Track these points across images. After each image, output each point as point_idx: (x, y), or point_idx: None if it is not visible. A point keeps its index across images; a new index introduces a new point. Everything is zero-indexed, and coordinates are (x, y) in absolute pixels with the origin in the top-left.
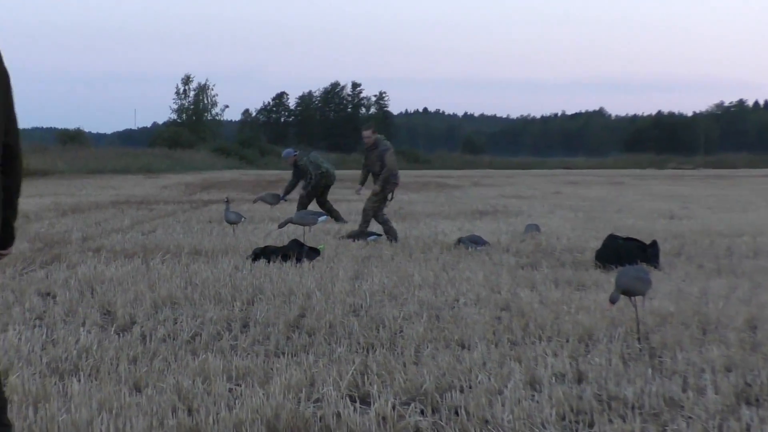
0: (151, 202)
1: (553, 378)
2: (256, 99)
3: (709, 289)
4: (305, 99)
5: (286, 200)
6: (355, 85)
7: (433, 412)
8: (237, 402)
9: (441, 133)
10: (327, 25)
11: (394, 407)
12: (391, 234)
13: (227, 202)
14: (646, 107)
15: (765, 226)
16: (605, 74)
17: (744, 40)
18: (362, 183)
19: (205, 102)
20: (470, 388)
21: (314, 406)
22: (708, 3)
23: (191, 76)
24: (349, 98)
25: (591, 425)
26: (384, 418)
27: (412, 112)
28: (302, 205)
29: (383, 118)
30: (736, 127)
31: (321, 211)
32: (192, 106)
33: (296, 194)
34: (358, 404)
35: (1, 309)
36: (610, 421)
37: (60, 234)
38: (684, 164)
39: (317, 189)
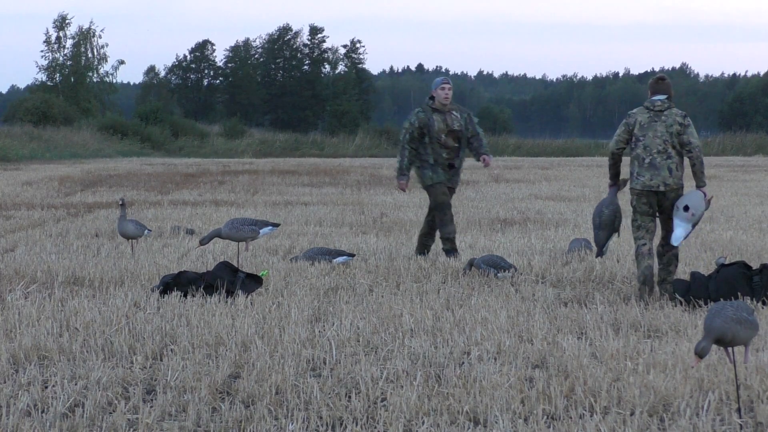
0: (8, 206)
1: None
2: (165, 51)
3: None
4: (239, 51)
5: (405, 176)
6: (315, 31)
7: None
8: None
9: None
10: None
11: None
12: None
13: (123, 206)
14: (752, 63)
15: None
16: (689, 15)
17: None
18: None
19: (90, 56)
20: None
21: None
22: None
23: (68, 17)
24: (307, 50)
25: None
26: None
27: (399, 70)
28: (442, 218)
29: (357, 80)
30: None
31: (265, 219)
32: (69, 62)
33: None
34: None
35: None
36: None
37: None
38: None
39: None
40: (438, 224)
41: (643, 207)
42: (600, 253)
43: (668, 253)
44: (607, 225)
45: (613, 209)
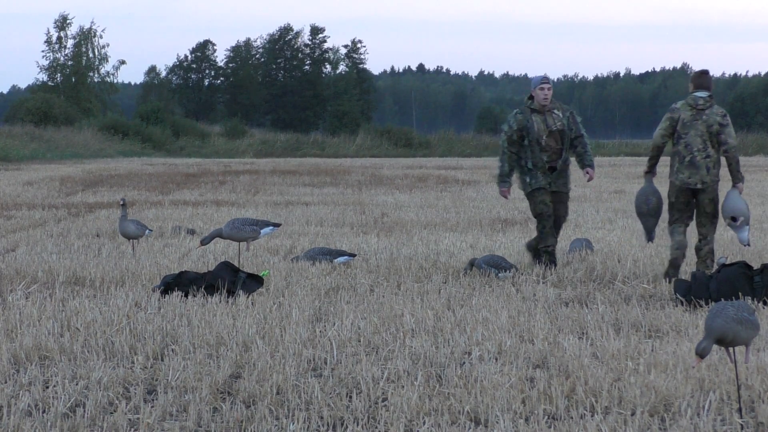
0: (9, 206)
1: None
2: (166, 51)
3: None
4: (240, 51)
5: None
6: (315, 31)
7: None
8: None
9: (445, 102)
10: None
11: None
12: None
13: (123, 206)
14: (753, 63)
15: None
16: (690, 15)
17: None
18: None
19: (91, 56)
20: None
21: None
22: None
23: (69, 17)
24: (307, 50)
25: None
26: None
27: (400, 71)
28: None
29: (358, 80)
30: None
31: (266, 219)
32: (70, 62)
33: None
34: None
35: None
36: None
37: None
38: None
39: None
40: (537, 234)
41: (680, 204)
42: (650, 238)
43: (705, 248)
44: (655, 212)
45: (659, 196)
